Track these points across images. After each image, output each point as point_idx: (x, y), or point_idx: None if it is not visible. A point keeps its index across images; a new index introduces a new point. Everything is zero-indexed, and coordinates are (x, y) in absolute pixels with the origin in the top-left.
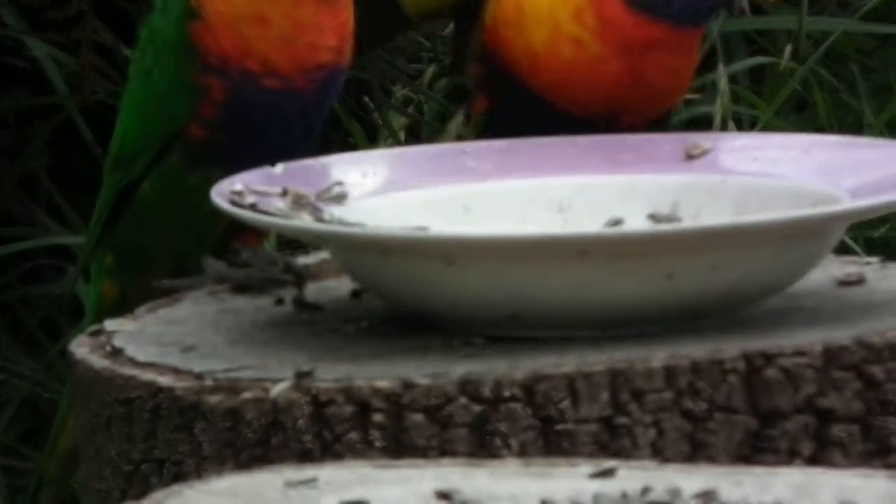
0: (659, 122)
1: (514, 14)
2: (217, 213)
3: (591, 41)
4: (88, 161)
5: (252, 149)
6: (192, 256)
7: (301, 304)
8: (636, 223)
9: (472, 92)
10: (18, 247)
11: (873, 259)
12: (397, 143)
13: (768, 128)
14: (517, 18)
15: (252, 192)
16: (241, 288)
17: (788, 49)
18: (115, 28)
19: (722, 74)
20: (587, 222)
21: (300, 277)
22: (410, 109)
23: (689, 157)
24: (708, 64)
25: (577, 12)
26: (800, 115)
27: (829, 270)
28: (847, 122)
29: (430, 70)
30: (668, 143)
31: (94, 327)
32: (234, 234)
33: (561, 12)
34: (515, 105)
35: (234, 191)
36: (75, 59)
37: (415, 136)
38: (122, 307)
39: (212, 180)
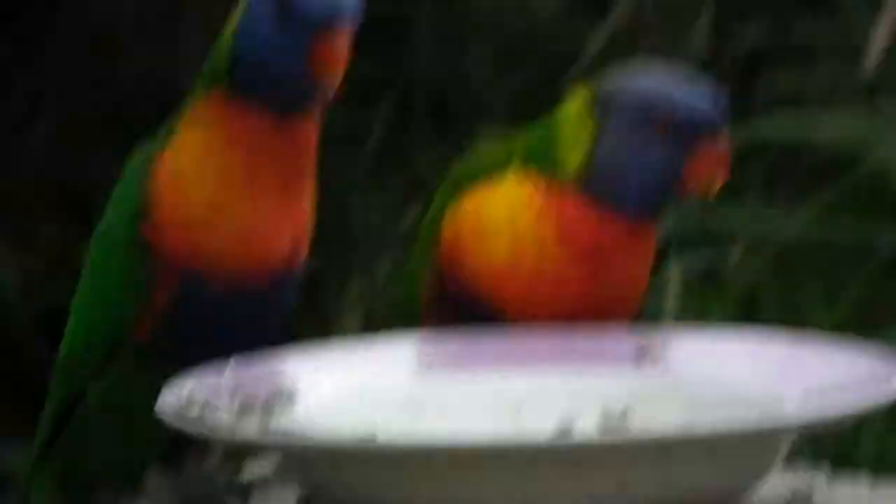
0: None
1: (474, 225)
2: (163, 423)
3: (553, 249)
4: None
5: (202, 350)
6: (138, 468)
7: None
8: (589, 423)
9: (416, 311)
10: None
11: (822, 471)
12: (350, 338)
13: (718, 327)
14: (477, 229)
15: (199, 399)
16: (185, 502)
17: (738, 249)
18: (77, 221)
19: (673, 273)
20: (540, 421)
21: (245, 493)
22: (365, 305)
23: (641, 356)
24: (659, 261)
25: (536, 221)
26: (749, 315)
27: (780, 481)
28: (796, 323)
29: (388, 262)
30: (620, 341)
31: None
32: (179, 446)
33: (520, 222)
34: (476, 323)
35: (181, 399)
36: (29, 262)
37: (368, 329)
38: None
39: (160, 384)
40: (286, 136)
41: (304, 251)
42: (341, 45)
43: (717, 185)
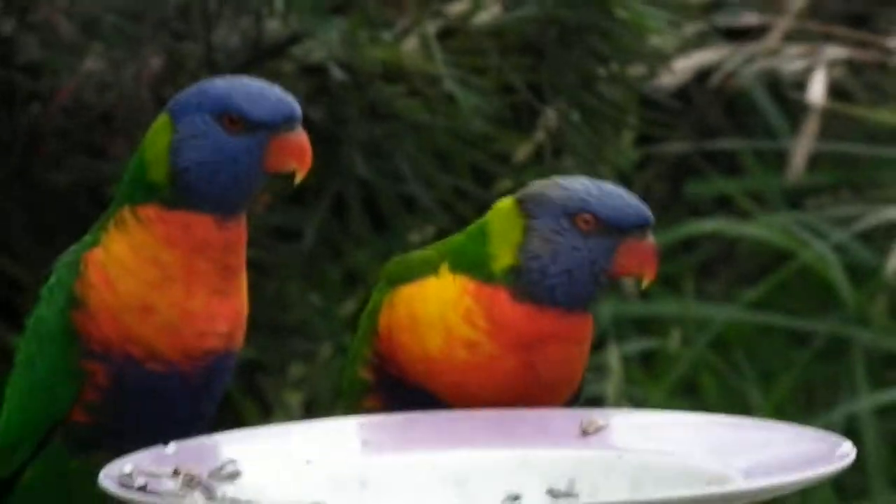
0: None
1: (408, 321)
2: (102, 496)
3: (484, 341)
4: None
5: (136, 431)
6: None
7: None
8: (534, 499)
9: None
10: None
11: None
12: (292, 420)
13: (659, 408)
14: (411, 325)
15: (142, 473)
16: None
17: (676, 334)
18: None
19: (614, 355)
20: (484, 497)
21: None
22: (306, 387)
23: (585, 432)
24: (600, 345)
25: (467, 314)
26: (689, 397)
27: None
28: (734, 406)
29: (327, 349)
30: (563, 418)
31: None
32: None
33: (452, 316)
34: (415, 405)
35: (123, 473)
36: None
37: (310, 412)
38: None
39: (95, 464)
40: (223, 236)
41: (240, 337)
42: (304, 139)
43: (649, 280)
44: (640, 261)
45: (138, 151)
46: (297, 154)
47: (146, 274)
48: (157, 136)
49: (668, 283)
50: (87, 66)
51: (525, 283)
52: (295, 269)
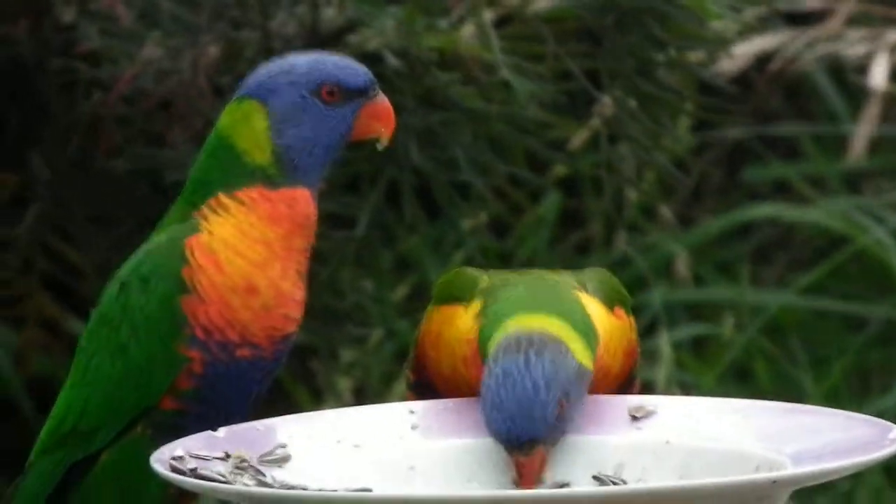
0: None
1: (434, 339)
2: (168, 483)
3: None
4: (26, 436)
5: (214, 416)
6: None
7: None
8: (582, 485)
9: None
10: None
11: None
12: (342, 404)
13: (710, 394)
14: (436, 343)
15: (193, 456)
16: None
17: (730, 320)
18: (64, 303)
19: (665, 341)
20: None
21: None
22: (357, 372)
23: (633, 418)
24: (651, 331)
25: (464, 360)
26: (741, 383)
27: None
28: (787, 392)
29: (378, 333)
30: (612, 404)
31: None
32: (174, 502)
33: (459, 351)
34: None
35: (174, 456)
36: (19, 335)
37: (361, 397)
38: None
39: None
40: (312, 211)
41: (300, 320)
42: (388, 104)
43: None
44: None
45: (216, 141)
46: (385, 118)
47: (253, 254)
48: (247, 121)
49: (722, 268)
50: (146, 53)
51: None
52: (348, 256)
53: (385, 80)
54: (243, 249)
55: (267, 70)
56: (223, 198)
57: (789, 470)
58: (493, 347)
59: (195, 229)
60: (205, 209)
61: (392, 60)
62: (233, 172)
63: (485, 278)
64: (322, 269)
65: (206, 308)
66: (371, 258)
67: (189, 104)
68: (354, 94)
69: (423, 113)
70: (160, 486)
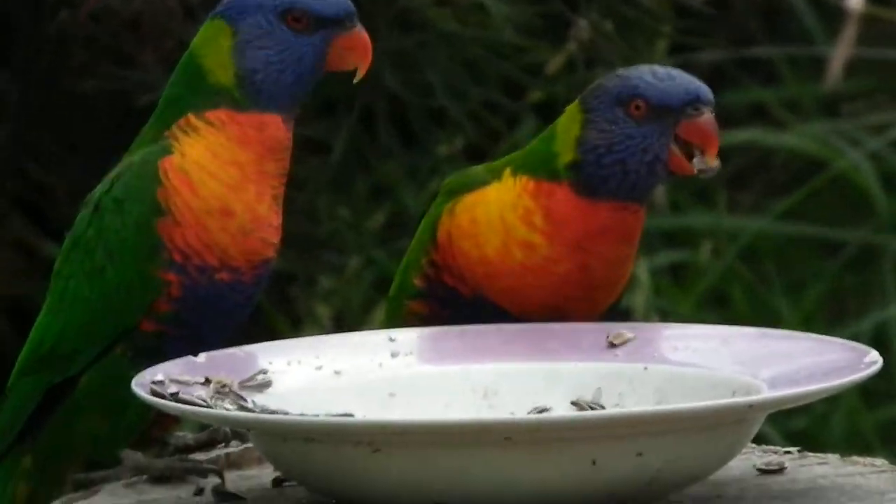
0: (604, 318)
1: (469, 226)
2: (149, 406)
3: (541, 243)
4: (4, 358)
5: (194, 341)
6: (111, 448)
7: (221, 493)
8: (560, 410)
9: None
10: None
11: (792, 449)
12: (322, 332)
13: (688, 320)
14: (471, 230)
15: (174, 381)
16: (160, 478)
17: (707, 246)
18: (36, 226)
19: (643, 268)
20: (512, 408)
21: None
22: (335, 300)
23: (612, 345)
24: None
25: (525, 214)
26: (718, 309)
27: (750, 459)
28: (764, 318)
29: (356, 261)
30: (591, 332)
31: None
32: (153, 424)
33: (510, 217)
34: (467, 313)
35: (154, 380)
36: None
37: (340, 325)
38: None
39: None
40: (288, 136)
41: (278, 246)
42: (365, 36)
43: (711, 154)
44: (697, 136)
45: (187, 59)
46: (360, 51)
47: (226, 176)
48: (214, 40)
49: (699, 194)
50: None
51: (584, 177)
52: (324, 182)
53: (358, 2)
54: (216, 171)
55: None
56: (193, 118)
57: (765, 394)
58: (590, 97)
59: (167, 150)
60: (175, 130)
61: None
62: (200, 92)
63: (496, 162)
64: (298, 195)
65: (183, 231)
66: (347, 184)
67: (158, 24)
68: (327, 23)
69: (396, 36)
70: (140, 408)
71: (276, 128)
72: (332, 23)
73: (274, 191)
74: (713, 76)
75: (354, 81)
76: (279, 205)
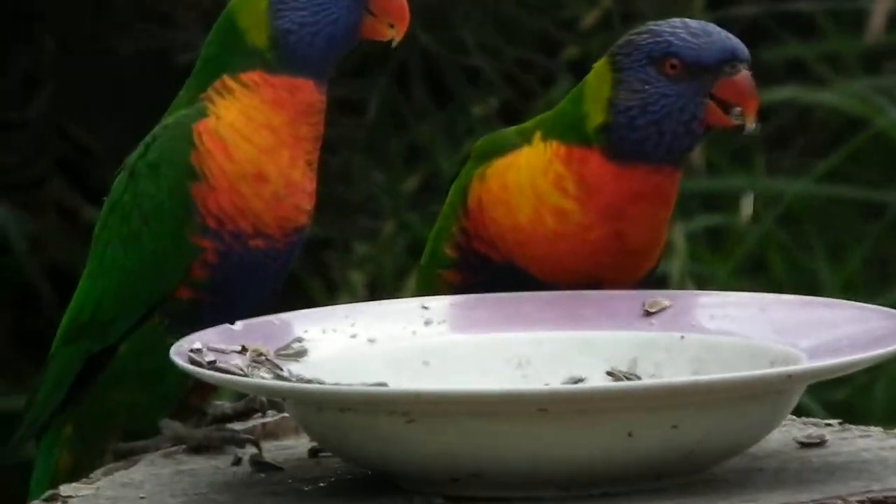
0: (641, 285)
1: (499, 192)
2: (187, 375)
3: (574, 209)
4: (46, 323)
5: (230, 308)
6: (150, 417)
7: (258, 463)
8: (595, 380)
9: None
10: None
11: (833, 421)
12: (356, 299)
13: (725, 287)
14: (502, 196)
15: (211, 349)
16: (198, 448)
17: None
18: (77, 190)
19: (679, 233)
20: (546, 378)
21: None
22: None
23: (648, 314)
24: None
25: (557, 180)
26: (756, 274)
27: (790, 432)
28: (803, 283)
29: (389, 226)
30: (626, 299)
31: (49, 492)
32: (191, 393)
33: (542, 183)
34: (499, 281)
35: (192, 349)
36: (36, 221)
37: (374, 291)
38: (75, 475)
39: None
40: (322, 100)
41: (312, 212)
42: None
43: (751, 114)
44: (735, 95)
45: (224, 18)
46: (396, 14)
47: (260, 139)
48: (242, 2)
49: (737, 155)
50: None
51: (616, 139)
52: (358, 143)
53: None
54: (250, 134)
55: None
56: (228, 80)
57: (805, 364)
58: (620, 54)
59: (203, 113)
60: (211, 92)
61: None
62: (236, 53)
63: (526, 123)
64: (332, 158)
65: (217, 196)
66: (381, 146)
67: None
68: (699, 71)
69: None
70: (178, 377)
71: (309, 91)
72: None
73: (308, 155)
74: (750, 31)
75: (393, 47)
76: (313, 170)
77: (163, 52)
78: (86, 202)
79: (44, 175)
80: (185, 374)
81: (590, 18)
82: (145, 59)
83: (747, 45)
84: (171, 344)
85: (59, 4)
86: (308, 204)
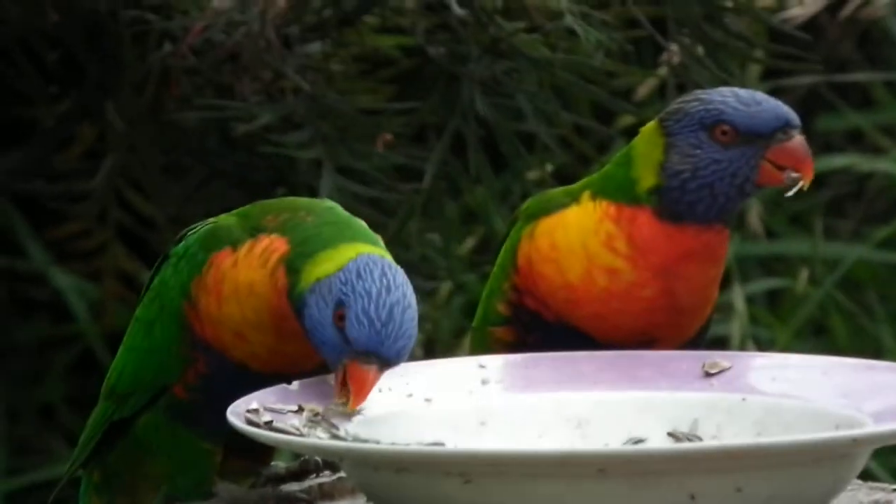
0: (693, 344)
1: (549, 250)
2: (210, 451)
3: (625, 268)
4: None
5: (229, 401)
6: (178, 485)
7: None
8: (656, 441)
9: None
10: (36, 476)
11: None
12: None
13: (786, 350)
14: (552, 255)
15: (267, 409)
16: None
17: (804, 273)
18: (137, 254)
19: (738, 296)
20: (605, 439)
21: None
22: (426, 326)
23: (708, 374)
24: (724, 285)
25: (608, 240)
26: (817, 339)
27: (856, 496)
28: (865, 347)
29: (446, 287)
30: (686, 360)
31: None
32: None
33: (592, 243)
34: (552, 338)
35: (249, 409)
36: (97, 288)
37: (430, 351)
38: None
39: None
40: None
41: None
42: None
43: (807, 179)
44: (791, 160)
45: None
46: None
47: (246, 319)
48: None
49: (795, 221)
50: (216, 4)
51: (667, 201)
52: (415, 208)
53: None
54: (242, 300)
55: None
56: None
57: (870, 428)
58: (670, 121)
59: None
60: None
61: (456, 9)
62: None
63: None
64: (388, 221)
65: (201, 323)
66: (437, 210)
67: (257, 56)
68: (752, 138)
69: (487, 62)
70: (199, 452)
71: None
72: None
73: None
74: (807, 101)
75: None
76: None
77: (223, 122)
78: (146, 268)
79: (105, 243)
80: (208, 450)
81: (644, 88)
82: (203, 130)
83: (803, 115)
84: (173, 430)
85: (124, 78)
86: (308, 365)
